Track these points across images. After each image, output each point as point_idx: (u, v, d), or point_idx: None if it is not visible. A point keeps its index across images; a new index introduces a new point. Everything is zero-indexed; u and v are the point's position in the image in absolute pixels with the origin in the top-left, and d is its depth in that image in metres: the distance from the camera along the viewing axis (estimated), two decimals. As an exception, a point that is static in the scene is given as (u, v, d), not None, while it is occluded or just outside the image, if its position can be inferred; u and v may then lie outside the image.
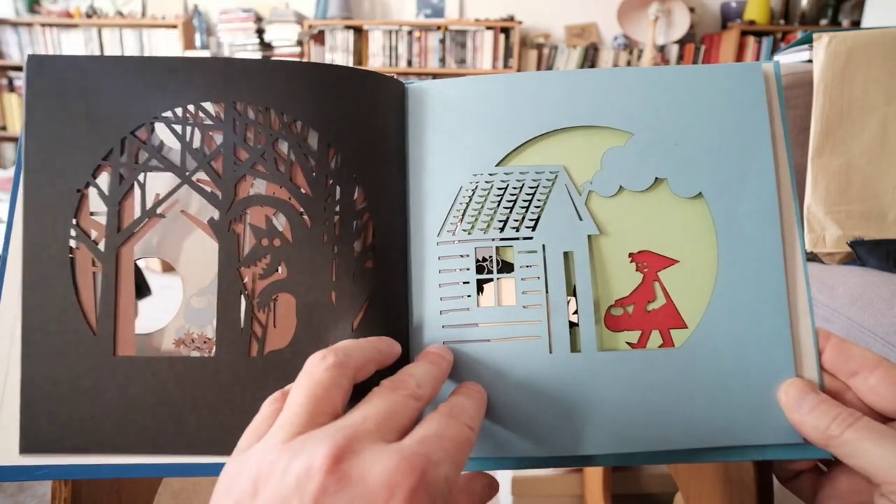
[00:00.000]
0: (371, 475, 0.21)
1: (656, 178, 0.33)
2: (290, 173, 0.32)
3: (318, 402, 0.24)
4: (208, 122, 0.32)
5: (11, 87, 3.62)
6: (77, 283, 0.31)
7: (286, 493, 0.20)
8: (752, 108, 0.33)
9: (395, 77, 0.36)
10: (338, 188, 0.32)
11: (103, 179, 0.32)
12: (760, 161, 0.32)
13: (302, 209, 0.32)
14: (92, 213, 0.32)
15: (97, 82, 0.32)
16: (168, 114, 0.32)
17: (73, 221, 0.31)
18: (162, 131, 0.32)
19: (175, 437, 0.30)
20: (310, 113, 0.33)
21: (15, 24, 3.49)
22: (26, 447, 0.30)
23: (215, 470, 0.27)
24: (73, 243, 0.31)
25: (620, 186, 0.33)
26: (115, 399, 0.30)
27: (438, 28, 3.35)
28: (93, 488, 0.34)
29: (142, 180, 0.32)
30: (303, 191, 0.32)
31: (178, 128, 0.32)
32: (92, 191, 0.32)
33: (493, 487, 0.28)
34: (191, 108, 0.32)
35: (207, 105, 0.32)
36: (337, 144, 0.33)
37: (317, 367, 0.25)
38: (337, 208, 0.32)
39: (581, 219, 0.33)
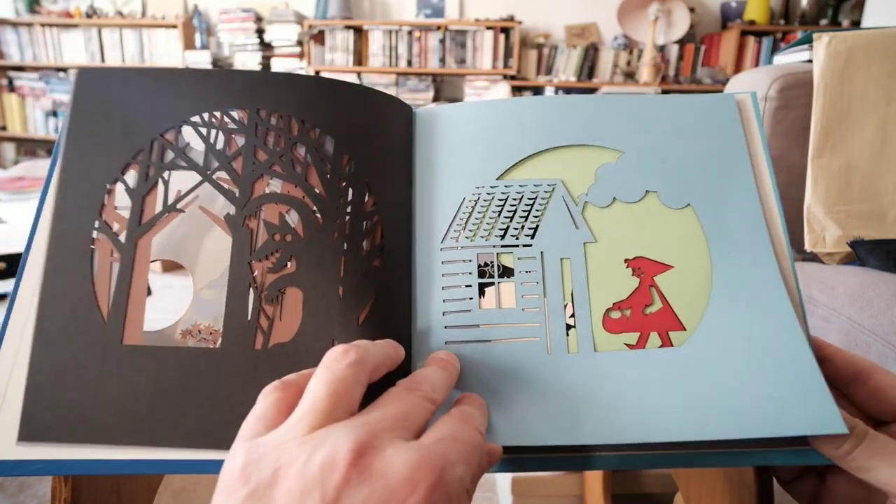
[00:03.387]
0: (392, 470, 0.21)
1: (647, 191, 0.36)
2: (305, 174, 0.34)
3: (338, 398, 0.24)
4: (232, 126, 0.35)
5: (11, 87, 3.62)
6: (94, 272, 0.32)
7: (309, 484, 0.20)
8: (728, 132, 0.37)
9: (398, 94, 0.37)
10: (350, 190, 0.34)
11: (131, 176, 0.34)
12: (741, 177, 0.36)
13: (315, 207, 0.34)
14: (116, 207, 0.33)
15: (136, 91, 0.35)
16: (196, 118, 0.35)
17: (99, 214, 0.33)
18: (189, 134, 0.35)
19: (174, 430, 0.30)
20: (328, 122, 0.35)
21: (15, 24, 3.49)
22: (25, 435, 0.30)
23: (216, 467, 0.27)
24: (95, 234, 0.33)
25: (614, 198, 0.36)
26: (117, 388, 0.30)
27: (438, 28, 3.35)
28: (92, 488, 0.34)
29: (166, 177, 0.34)
30: (317, 190, 0.34)
31: (204, 130, 0.35)
32: (119, 186, 0.33)
33: (493, 454, 0.28)
34: (217, 113, 0.35)
35: (233, 112, 0.35)
36: (351, 152, 0.35)
37: (338, 363, 0.25)
38: (348, 209, 0.34)
39: (577, 227, 0.35)
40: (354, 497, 0.20)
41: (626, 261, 0.34)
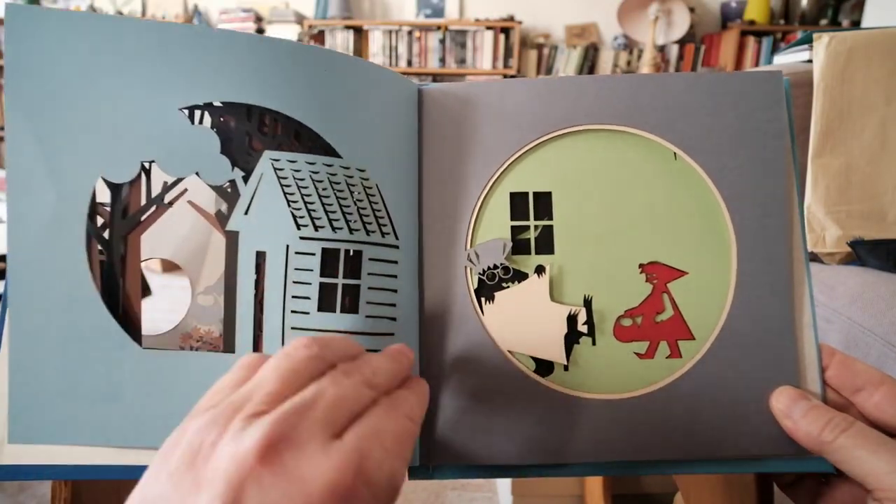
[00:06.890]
0: (310, 474, 0.20)
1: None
2: None
3: (288, 387, 0.22)
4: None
5: (11, 87, 3.62)
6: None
7: (216, 475, 0.19)
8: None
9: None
10: None
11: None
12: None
13: None
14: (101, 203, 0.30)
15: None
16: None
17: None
18: None
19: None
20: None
21: (15, 24, 3.49)
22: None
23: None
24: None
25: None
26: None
27: (438, 28, 3.35)
28: (92, 489, 0.34)
29: (147, 166, 0.30)
30: None
31: (186, 111, 0.31)
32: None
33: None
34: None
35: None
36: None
37: (298, 352, 0.24)
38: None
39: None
40: (265, 495, 0.19)
41: (640, 265, 0.32)
